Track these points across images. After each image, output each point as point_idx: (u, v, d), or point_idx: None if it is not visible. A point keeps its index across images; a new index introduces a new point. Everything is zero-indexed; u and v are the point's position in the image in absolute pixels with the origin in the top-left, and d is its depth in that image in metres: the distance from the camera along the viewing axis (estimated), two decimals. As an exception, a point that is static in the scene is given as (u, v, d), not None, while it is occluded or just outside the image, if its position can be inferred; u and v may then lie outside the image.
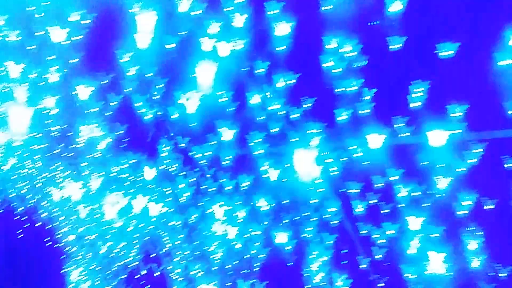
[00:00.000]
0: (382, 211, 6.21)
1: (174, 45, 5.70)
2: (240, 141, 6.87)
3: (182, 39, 5.69)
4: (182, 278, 10.70)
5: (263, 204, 8.07)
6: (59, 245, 12.61)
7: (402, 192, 5.71)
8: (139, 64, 6.52)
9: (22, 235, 12.55)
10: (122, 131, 8.25)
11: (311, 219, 7.60)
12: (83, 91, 7.49)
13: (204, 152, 7.93)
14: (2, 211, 11.83)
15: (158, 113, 7.37)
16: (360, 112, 5.11)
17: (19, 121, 8.45)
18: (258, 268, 9.45)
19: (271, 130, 6.22)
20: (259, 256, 9.30)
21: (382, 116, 5.07)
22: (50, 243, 12.41)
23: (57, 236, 12.41)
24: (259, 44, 5.23)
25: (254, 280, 9.59)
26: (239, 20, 5.29)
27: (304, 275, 8.45)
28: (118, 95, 7.33)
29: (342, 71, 4.99)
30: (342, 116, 5.19)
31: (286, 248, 8.41)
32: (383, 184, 5.83)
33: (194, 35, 5.70)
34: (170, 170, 9.13)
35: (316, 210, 7.05)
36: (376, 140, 5.03)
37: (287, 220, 7.95)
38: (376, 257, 6.97)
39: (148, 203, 10.04)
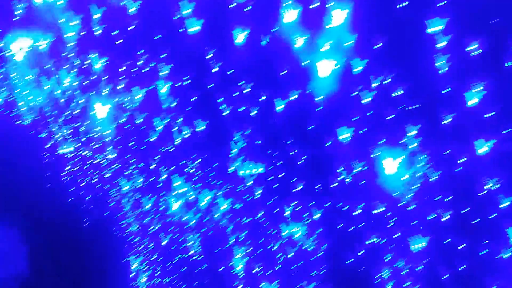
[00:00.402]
0: (473, 221, 5.73)
1: (265, 42, 5.43)
2: (320, 140, 6.54)
3: (273, 36, 5.43)
4: (244, 275, 10.47)
5: (336, 206, 7.71)
6: (124, 235, 12.62)
7: (503, 202, 5.22)
8: (224, 60, 6.31)
9: (89, 222, 12.63)
10: (199, 127, 8.09)
11: (389, 225, 7.18)
12: (164, 86, 7.39)
13: (279, 151, 7.66)
14: (72, 198, 11.94)
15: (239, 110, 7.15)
16: (467, 115, 4.68)
17: (98, 112, 8.47)
18: (324, 271, 9.09)
19: (360, 131, 5.86)
20: (325, 259, 8.94)
21: (492, 121, 4.62)
22: (115, 232, 12.44)
23: (122, 226, 12.44)
24: (358, 40, 4.88)
25: (319, 283, 9.24)
26: (338, 17, 4.97)
27: (375, 282, 8.02)
28: (199, 90, 7.17)
29: (449, 71, 4.57)
30: (447, 119, 4.76)
31: (358, 253, 8.02)
32: (483, 193, 5.36)
33: (285, 32, 5.42)
34: (241, 167, 8.92)
35: (398, 215, 6.62)
36: (483, 146, 4.59)
37: (363, 224, 7.54)
38: (460, 268, 6.48)
39: (215, 198, 9.87)
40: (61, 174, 10.14)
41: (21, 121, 8.34)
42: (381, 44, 4.89)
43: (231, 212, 9.75)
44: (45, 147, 9.55)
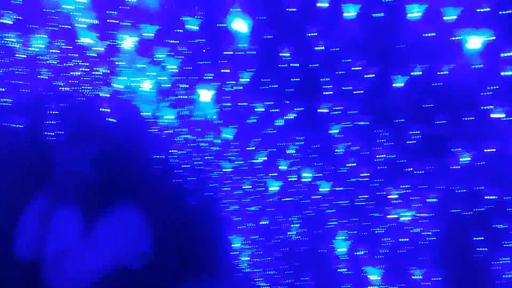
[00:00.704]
0: None
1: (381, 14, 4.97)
2: (439, 119, 6.01)
3: (392, 7, 4.96)
4: (346, 258, 10.21)
5: (452, 189, 7.12)
6: (225, 215, 12.83)
7: None
8: (331, 37, 5.96)
9: (193, 203, 12.93)
10: (301, 108, 7.87)
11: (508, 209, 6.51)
12: (266, 68, 7.22)
13: (385, 132, 7.22)
14: (176, 180, 12.26)
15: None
16: None
17: (202, 96, 8.53)
18: (435, 257, 8.55)
19: (486, 109, 5.25)
20: (436, 245, 8.39)
21: None
22: (218, 212, 12.66)
23: (224, 206, 12.65)
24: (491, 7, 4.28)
25: (429, 269, 8.73)
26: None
27: (493, 269, 7.38)
28: (303, 70, 6.92)
29: None
30: None
31: (474, 239, 7.40)
32: None
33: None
34: (342, 148, 8.59)
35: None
36: None
37: (481, 208, 6.91)
38: None
39: (316, 179, 9.66)
40: (168, 157, 10.46)
41: (131, 107, 8.62)
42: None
43: (333, 194, 9.48)
44: (153, 130, 9.85)
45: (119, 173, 2.41)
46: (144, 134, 2.53)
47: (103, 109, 2.43)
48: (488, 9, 3.91)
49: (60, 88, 8.26)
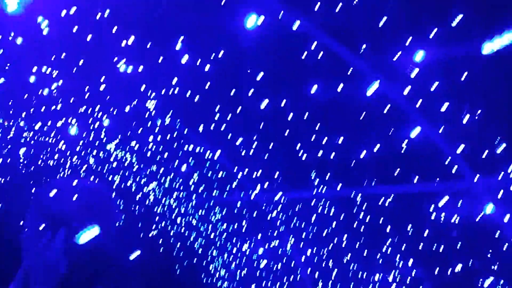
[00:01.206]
0: None
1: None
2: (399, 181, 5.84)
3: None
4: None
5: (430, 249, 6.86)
6: (213, 281, 12.35)
7: None
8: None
9: (179, 270, 12.52)
10: (278, 169, 7.73)
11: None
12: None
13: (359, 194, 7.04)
14: (162, 248, 11.94)
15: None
16: None
17: (182, 166, 8.36)
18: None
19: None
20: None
21: None
22: (204, 278, 12.21)
23: (210, 272, 12.20)
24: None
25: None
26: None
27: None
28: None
29: None
30: None
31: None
32: None
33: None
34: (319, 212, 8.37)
35: None
36: None
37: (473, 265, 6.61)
38: None
39: (299, 242, 9.37)
40: (152, 227, 10.20)
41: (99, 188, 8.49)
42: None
43: (316, 255, 9.17)
44: (137, 199, 9.65)
45: (93, 259, 2.15)
46: (115, 212, 2.30)
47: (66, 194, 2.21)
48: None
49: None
